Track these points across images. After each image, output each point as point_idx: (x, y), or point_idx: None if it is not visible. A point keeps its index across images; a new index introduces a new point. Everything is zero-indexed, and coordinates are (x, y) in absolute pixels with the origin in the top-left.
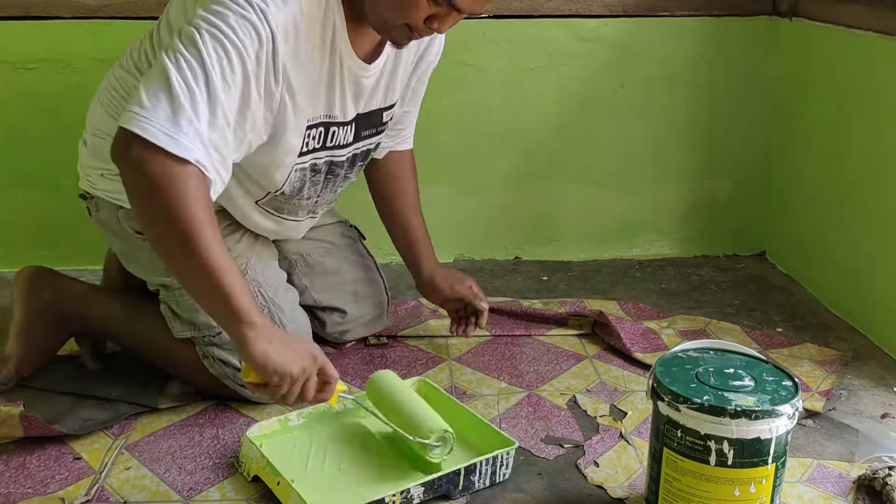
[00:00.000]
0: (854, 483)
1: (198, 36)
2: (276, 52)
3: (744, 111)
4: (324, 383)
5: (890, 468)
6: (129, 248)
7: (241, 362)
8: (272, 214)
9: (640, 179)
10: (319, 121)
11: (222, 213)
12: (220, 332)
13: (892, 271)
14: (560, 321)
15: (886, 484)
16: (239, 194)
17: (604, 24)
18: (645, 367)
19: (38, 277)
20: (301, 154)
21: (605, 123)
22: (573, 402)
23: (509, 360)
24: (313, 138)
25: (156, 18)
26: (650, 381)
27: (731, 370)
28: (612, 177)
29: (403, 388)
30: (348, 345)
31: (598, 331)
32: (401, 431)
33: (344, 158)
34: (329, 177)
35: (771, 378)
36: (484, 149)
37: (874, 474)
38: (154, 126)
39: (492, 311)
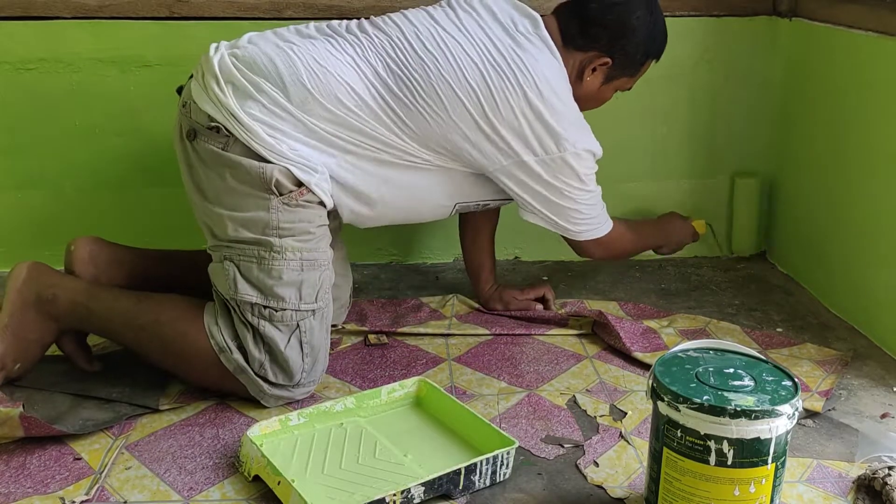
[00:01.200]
0: (854, 483)
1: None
2: None
3: (744, 111)
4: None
5: (890, 468)
6: (249, 194)
7: (322, 296)
8: None
9: (639, 179)
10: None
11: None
12: (285, 309)
13: (892, 271)
14: (560, 321)
15: (886, 484)
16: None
17: None
18: (645, 366)
19: (33, 272)
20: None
21: (605, 123)
22: (573, 402)
23: (509, 360)
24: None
25: (156, 19)
26: (650, 381)
27: (731, 370)
28: (612, 177)
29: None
30: (348, 345)
31: (598, 331)
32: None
33: None
34: None
35: (771, 378)
36: None
37: (874, 474)
38: (602, 228)
39: (492, 311)
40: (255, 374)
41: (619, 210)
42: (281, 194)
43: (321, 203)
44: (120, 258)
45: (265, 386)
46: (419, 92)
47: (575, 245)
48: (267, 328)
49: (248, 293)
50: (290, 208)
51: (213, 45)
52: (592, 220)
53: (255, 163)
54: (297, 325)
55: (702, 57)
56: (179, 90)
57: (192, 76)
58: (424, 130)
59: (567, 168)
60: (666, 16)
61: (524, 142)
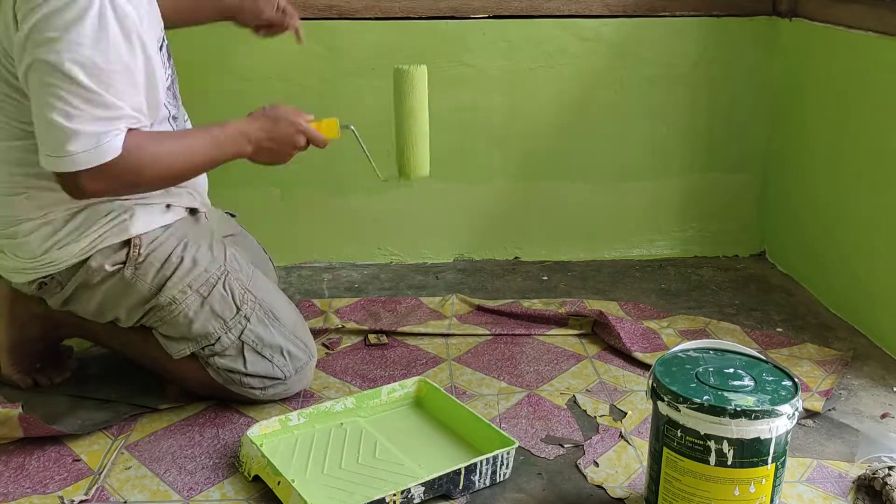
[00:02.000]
0: (854, 483)
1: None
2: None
3: (744, 111)
4: (310, 141)
5: (890, 468)
6: (108, 293)
7: (240, 301)
8: None
9: (639, 179)
10: (163, 40)
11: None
12: (218, 339)
13: (892, 271)
14: (560, 321)
15: (886, 484)
16: None
17: (604, 24)
18: (645, 367)
19: (19, 295)
20: (167, 83)
21: (605, 123)
22: (573, 402)
23: (509, 360)
24: (165, 58)
25: None
26: (650, 381)
27: (731, 370)
28: (612, 177)
29: (423, 100)
30: (348, 345)
31: (598, 331)
32: (374, 165)
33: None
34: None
35: (771, 378)
36: (484, 149)
37: (874, 474)
38: (80, 154)
39: (492, 311)
40: (242, 387)
41: (618, 210)
42: (125, 264)
43: (164, 227)
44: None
45: (258, 392)
46: None
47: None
48: (219, 362)
49: (180, 349)
50: (142, 265)
51: None
52: (71, 138)
53: (82, 271)
54: (241, 342)
55: (702, 57)
56: None
57: None
58: None
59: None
60: (666, 16)
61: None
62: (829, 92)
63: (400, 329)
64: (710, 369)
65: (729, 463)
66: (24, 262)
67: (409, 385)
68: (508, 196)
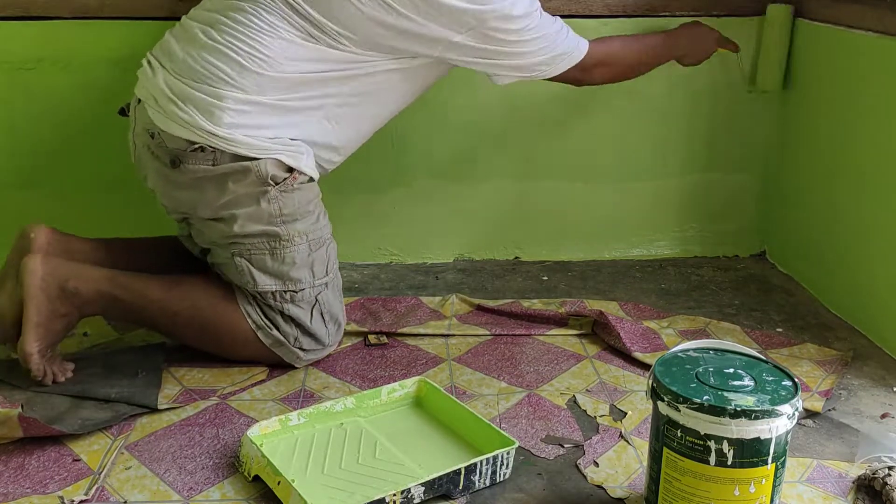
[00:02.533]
0: (854, 483)
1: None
2: None
3: (744, 111)
4: (728, 47)
5: (890, 468)
6: (244, 196)
7: (331, 269)
8: None
9: (639, 179)
10: None
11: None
12: (303, 289)
13: (892, 271)
14: (560, 321)
15: (886, 484)
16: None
17: (604, 24)
18: (645, 367)
19: (49, 265)
20: None
21: (605, 123)
22: (573, 402)
23: (509, 360)
24: None
25: (155, 19)
26: (650, 381)
27: (731, 370)
28: (612, 177)
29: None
30: (348, 345)
31: (598, 331)
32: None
33: None
34: None
35: (771, 378)
36: (484, 149)
37: (874, 474)
38: (575, 53)
39: (492, 311)
40: (292, 346)
41: (618, 210)
42: (277, 184)
43: (311, 179)
44: (77, 249)
45: (301, 353)
46: (333, 16)
47: (571, 80)
48: (291, 309)
49: (267, 283)
50: (288, 194)
51: (146, 62)
52: (558, 53)
53: (248, 164)
54: (316, 300)
55: None
56: (122, 112)
57: (138, 100)
58: (362, 35)
59: (497, 33)
60: (666, 16)
61: (442, 25)
62: (830, 92)
63: (400, 329)
64: (710, 369)
65: (729, 463)
66: (201, 123)
67: (409, 385)
68: (508, 196)
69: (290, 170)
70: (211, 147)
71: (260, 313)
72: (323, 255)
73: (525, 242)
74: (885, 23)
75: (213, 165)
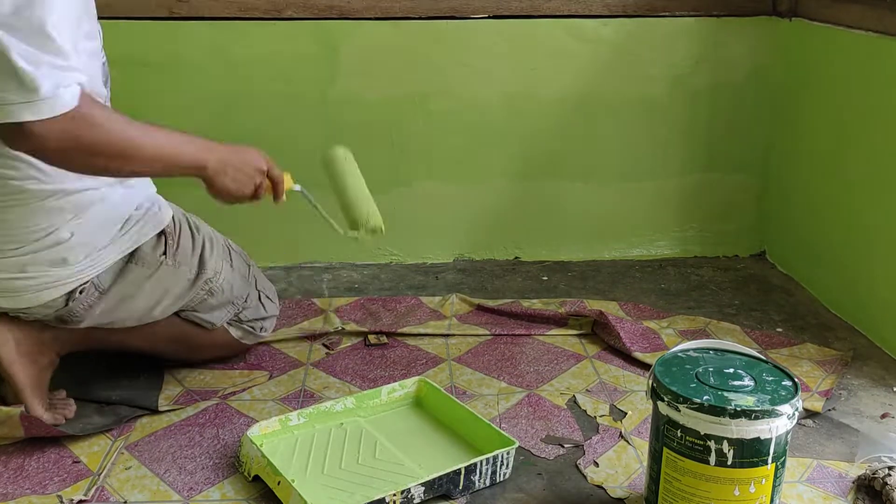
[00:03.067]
0: (854, 483)
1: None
2: None
3: (744, 111)
4: (273, 186)
5: (890, 468)
6: (156, 284)
7: (245, 258)
8: None
9: (639, 179)
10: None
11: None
12: (248, 295)
13: (892, 271)
14: (560, 321)
15: (886, 484)
16: None
17: (604, 24)
18: (645, 367)
19: (18, 325)
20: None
21: (605, 123)
22: (573, 402)
23: (509, 360)
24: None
25: (156, 19)
26: (650, 381)
27: (731, 370)
28: (612, 177)
29: (353, 172)
30: (348, 345)
31: (598, 331)
32: (331, 221)
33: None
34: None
35: (771, 378)
36: (484, 149)
37: (874, 474)
38: (29, 106)
39: (492, 311)
40: (259, 333)
41: (618, 210)
42: (165, 254)
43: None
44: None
45: (266, 334)
46: None
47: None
48: (248, 314)
49: (223, 315)
50: (178, 250)
51: None
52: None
53: (128, 267)
54: (258, 292)
55: (702, 57)
56: None
57: None
58: None
59: None
60: (666, 16)
61: None
62: (829, 92)
63: (400, 329)
64: (710, 369)
65: (729, 463)
66: (62, 272)
67: (409, 385)
68: (508, 196)
69: (161, 233)
70: (84, 283)
71: (238, 327)
72: (235, 253)
73: (525, 242)
74: (885, 23)
75: (103, 294)
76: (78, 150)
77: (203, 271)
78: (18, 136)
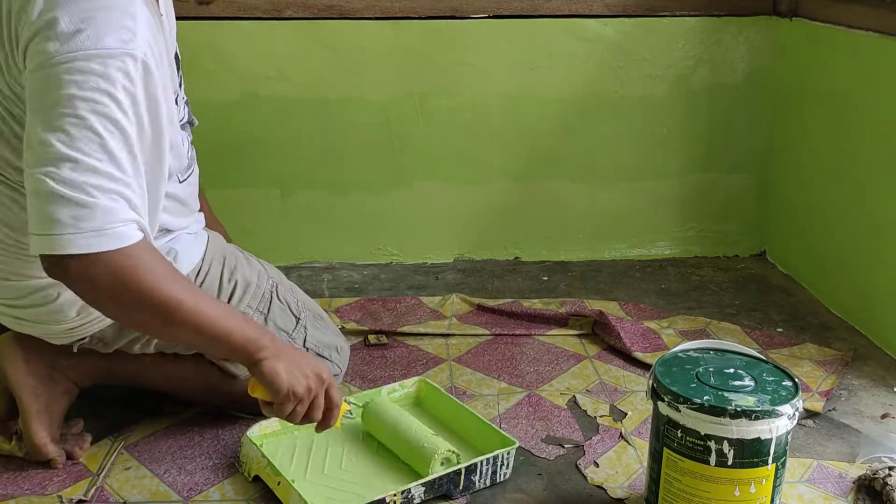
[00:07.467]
0: (854, 483)
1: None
2: (151, 77)
3: (744, 111)
4: (326, 409)
5: (890, 468)
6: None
7: (297, 311)
8: (192, 185)
9: (639, 179)
10: (175, 100)
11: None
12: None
13: (893, 271)
14: (560, 321)
15: (886, 484)
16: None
17: (604, 24)
18: (645, 367)
19: (27, 344)
20: (181, 124)
21: (605, 123)
22: (573, 402)
23: (509, 360)
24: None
25: None
26: (650, 381)
27: (732, 370)
28: (612, 177)
29: (399, 412)
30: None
31: (598, 331)
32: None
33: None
34: (187, 131)
35: (771, 378)
36: (484, 149)
37: (874, 474)
38: (77, 234)
39: (492, 311)
40: None
41: (618, 210)
42: None
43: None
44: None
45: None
46: None
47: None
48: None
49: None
50: None
51: None
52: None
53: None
54: (306, 348)
55: (702, 57)
56: None
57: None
58: None
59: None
60: (666, 16)
61: None
62: (830, 92)
63: (400, 329)
64: (711, 369)
65: (729, 463)
66: (55, 327)
67: (409, 385)
68: (508, 196)
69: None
70: (81, 339)
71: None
72: (279, 307)
73: (525, 242)
74: (885, 23)
75: (107, 344)
76: (109, 302)
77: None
78: (56, 268)
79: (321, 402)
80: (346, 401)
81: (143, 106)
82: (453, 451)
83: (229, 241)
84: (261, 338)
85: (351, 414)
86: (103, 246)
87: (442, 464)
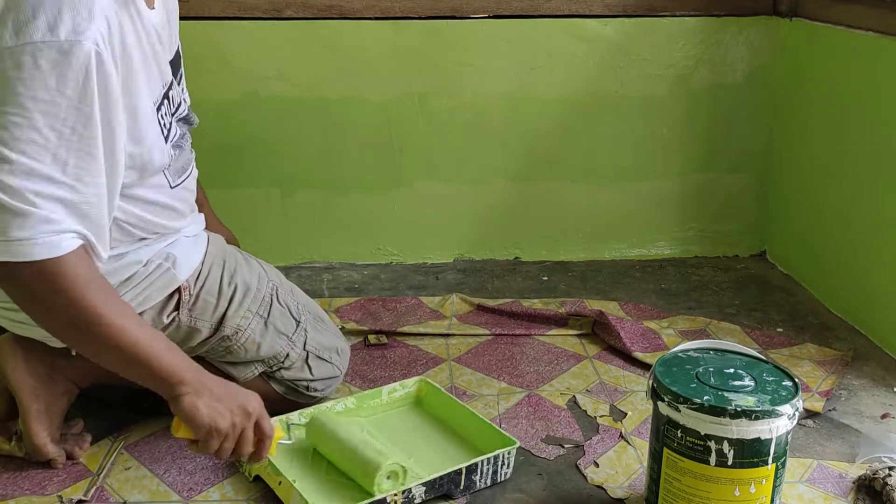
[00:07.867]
0: (854, 483)
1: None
2: (104, 67)
3: (744, 111)
4: (258, 440)
5: (890, 468)
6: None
7: (297, 314)
8: (188, 189)
9: (640, 179)
10: (161, 97)
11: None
12: (287, 356)
13: (893, 271)
14: (560, 321)
15: (886, 484)
16: (156, 195)
17: (604, 24)
18: (645, 367)
19: (27, 344)
20: (165, 138)
21: (605, 123)
22: (573, 402)
23: (509, 360)
24: (164, 115)
25: None
26: (650, 381)
27: (731, 370)
28: (612, 177)
29: (344, 427)
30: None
31: (598, 331)
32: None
33: (183, 112)
34: (183, 131)
35: (771, 378)
36: (484, 149)
37: (874, 474)
38: (6, 242)
39: (492, 311)
40: (307, 393)
41: (618, 210)
42: (178, 310)
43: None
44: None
45: (319, 394)
46: None
47: None
48: (287, 374)
49: (248, 373)
50: (196, 304)
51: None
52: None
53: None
54: (307, 353)
55: (702, 57)
56: None
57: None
58: None
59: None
60: (666, 16)
61: None
62: (830, 92)
63: (400, 329)
64: (711, 369)
65: (729, 463)
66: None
67: (409, 385)
68: (508, 196)
69: (172, 294)
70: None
71: (281, 383)
72: (279, 311)
73: (525, 242)
74: (885, 23)
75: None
76: (31, 306)
77: (221, 328)
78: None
79: (250, 435)
80: (287, 423)
81: (94, 104)
82: (400, 465)
83: (237, 244)
84: (182, 371)
85: (289, 440)
86: (34, 255)
87: (388, 478)
